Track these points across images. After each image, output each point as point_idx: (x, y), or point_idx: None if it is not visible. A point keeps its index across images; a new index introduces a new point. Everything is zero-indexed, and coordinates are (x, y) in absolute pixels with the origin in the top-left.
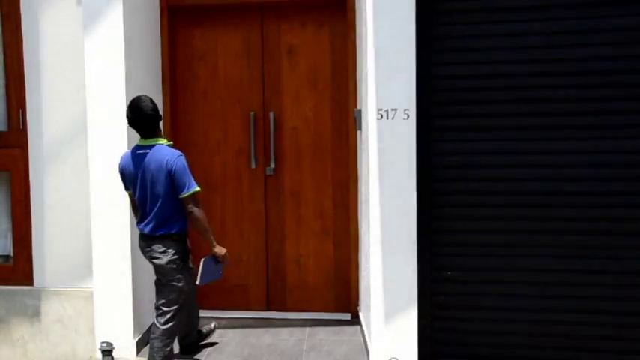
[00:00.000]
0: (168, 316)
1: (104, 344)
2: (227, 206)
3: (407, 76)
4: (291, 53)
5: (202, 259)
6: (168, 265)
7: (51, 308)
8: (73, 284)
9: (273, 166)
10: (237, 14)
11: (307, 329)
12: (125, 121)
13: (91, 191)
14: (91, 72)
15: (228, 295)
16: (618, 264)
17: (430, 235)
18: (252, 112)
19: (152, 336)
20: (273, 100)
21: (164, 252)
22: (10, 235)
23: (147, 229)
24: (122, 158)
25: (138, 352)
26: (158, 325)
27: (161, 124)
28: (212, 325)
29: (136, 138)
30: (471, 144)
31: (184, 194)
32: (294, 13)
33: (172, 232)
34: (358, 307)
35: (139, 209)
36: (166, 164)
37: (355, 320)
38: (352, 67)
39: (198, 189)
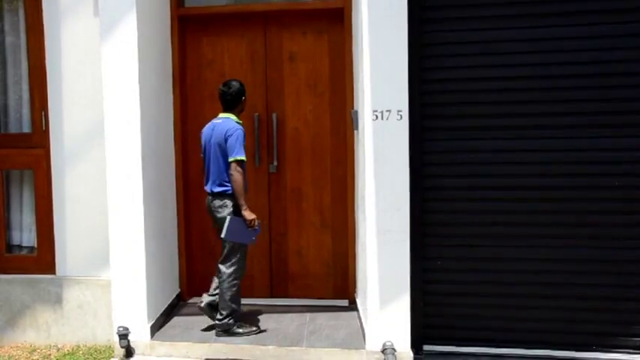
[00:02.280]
0: (232, 260)
1: (121, 329)
2: None
3: (400, 79)
4: (293, 59)
5: (229, 217)
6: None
7: (72, 295)
8: (91, 273)
9: (275, 164)
10: (243, 23)
11: (308, 315)
12: (139, 122)
13: (108, 187)
14: (107, 76)
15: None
16: (605, 254)
17: (422, 228)
18: (256, 114)
19: (220, 280)
20: (276, 102)
21: (222, 207)
22: (34, 228)
23: (207, 188)
24: (206, 126)
25: (152, 335)
26: (224, 270)
27: (242, 102)
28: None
29: (149, 137)
30: (460, 142)
31: (230, 159)
32: (295, 22)
33: (229, 191)
34: (355, 294)
35: (205, 170)
36: (226, 132)
37: (352, 306)
38: (349, 72)
39: (242, 157)
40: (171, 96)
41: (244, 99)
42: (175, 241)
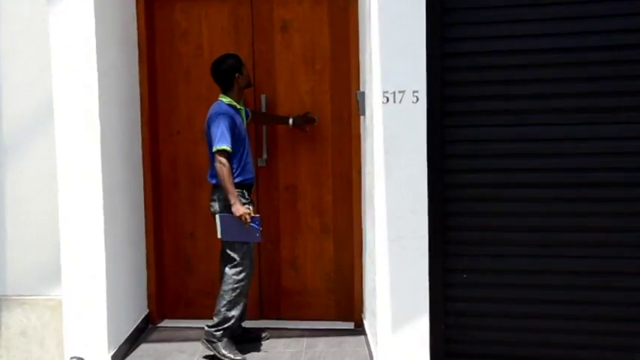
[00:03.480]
0: (235, 261)
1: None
2: None
3: (416, 53)
4: (285, 29)
5: (218, 215)
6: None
7: (12, 319)
8: (38, 292)
9: (265, 156)
10: None
11: (305, 340)
12: (98, 105)
13: (58, 186)
14: (57, 50)
15: (215, 302)
16: None
17: (443, 234)
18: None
19: (222, 281)
20: (265, 81)
21: (213, 200)
22: None
23: (208, 177)
24: None
25: None
26: (227, 271)
27: (236, 81)
28: (263, 334)
29: (111, 124)
30: (489, 130)
31: (212, 149)
32: None
33: (218, 183)
34: (362, 315)
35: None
36: (209, 119)
37: (359, 330)
38: (354, 45)
39: (224, 147)
40: (136, 73)
41: (238, 76)
42: (143, 252)
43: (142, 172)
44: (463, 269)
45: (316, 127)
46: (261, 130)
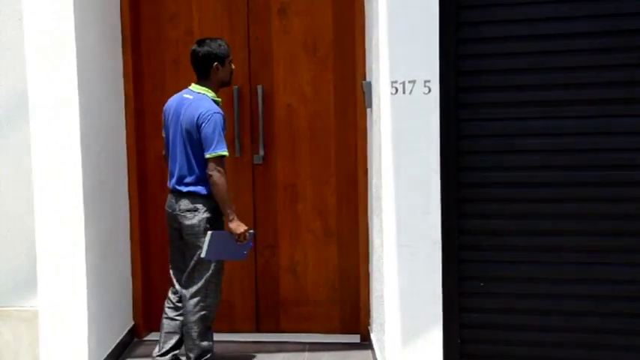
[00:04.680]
0: (201, 280)
1: None
2: None
3: (428, 39)
4: (284, 12)
5: (210, 232)
6: (197, 228)
7: None
8: (11, 302)
9: (262, 153)
10: None
11: (306, 355)
12: (77, 96)
13: (34, 186)
14: (31, 33)
15: None
16: None
17: (458, 238)
18: (235, 87)
19: (184, 311)
20: (262, 70)
21: (191, 211)
22: None
23: (171, 184)
24: (172, 97)
25: None
26: (188, 295)
27: (214, 71)
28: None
29: (92, 117)
30: (509, 123)
31: (208, 155)
32: None
33: (203, 192)
34: (369, 328)
35: (168, 159)
36: (198, 117)
37: (365, 343)
38: (360, 30)
39: (224, 152)
40: (120, 61)
41: (216, 66)
42: (128, 258)
43: (126, 171)
44: (480, 277)
45: (317, 121)
46: (257, 122)
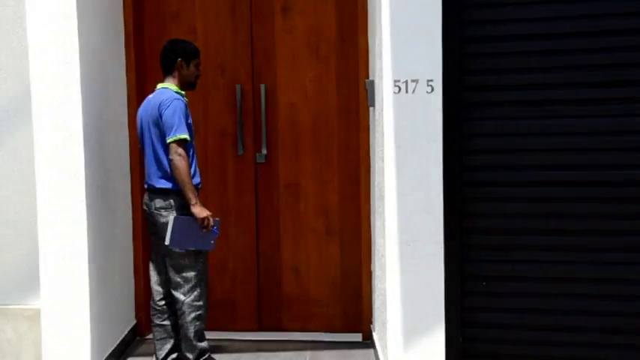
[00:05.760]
0: (187, 279)
1: None
2: (208, 201)
3: (431, 37)
4: (287, 11)
5: (173, 217)
6: None
7: None
8: (13, 301)
9: (264, 151)
10: None
11: (308, 354)
12: (80, 95)
13: (37, 183)
14: (34, 32)
15: (209, 312)
16: None
17: (461, 237)
18: (238, 85)
19: (179, 313)
20: (265, 69)
21: (166, 208)
22: None
23: (146, 182)
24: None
25: None
26: (181, 297)
27: (177, 67)
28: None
29: (95, 117)
30: (514, 123)
31: (169, 139)
32: None
33: (176, 187)
34: (371, 326)
35: (144, 159)
36: (160, 105)
37: (367, 342)
38: (363, 28)
39: (184, 136)
40: (123, 59)
41: (180, 62)
42: (130, 256)
43: (129, 170)
44: (483, 276)
45: (320, 120)
46: (259, 121)
